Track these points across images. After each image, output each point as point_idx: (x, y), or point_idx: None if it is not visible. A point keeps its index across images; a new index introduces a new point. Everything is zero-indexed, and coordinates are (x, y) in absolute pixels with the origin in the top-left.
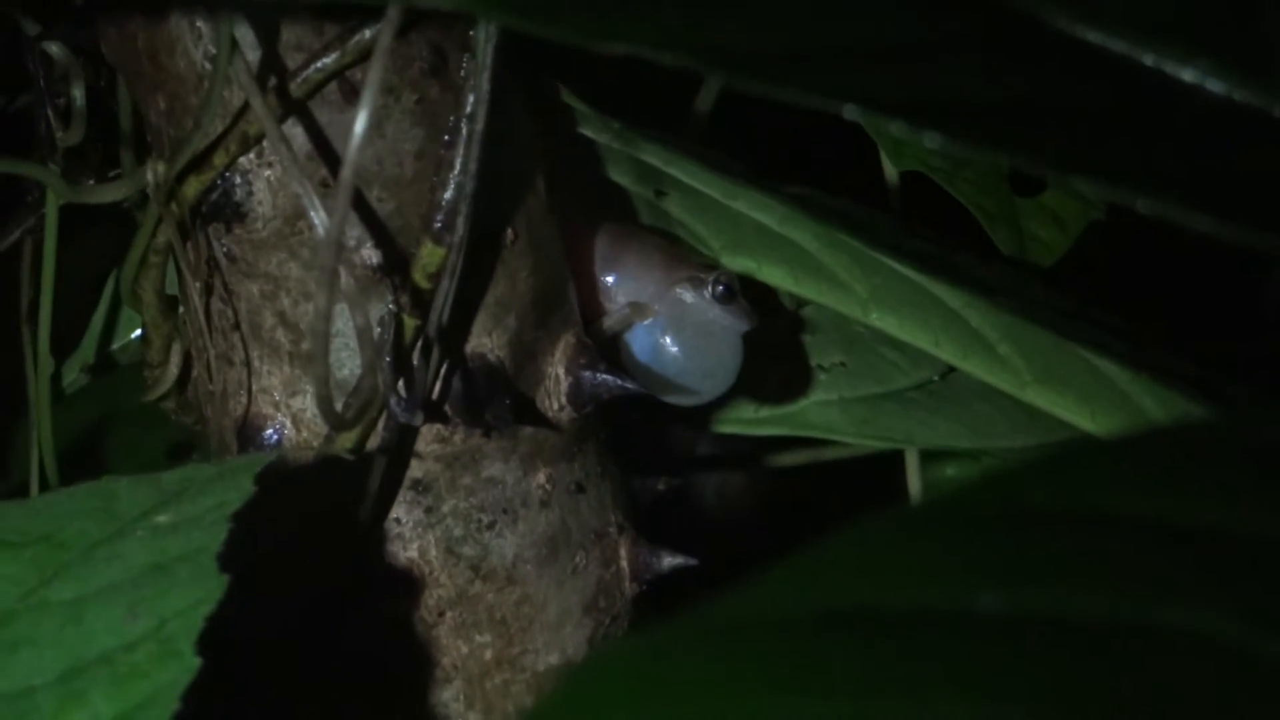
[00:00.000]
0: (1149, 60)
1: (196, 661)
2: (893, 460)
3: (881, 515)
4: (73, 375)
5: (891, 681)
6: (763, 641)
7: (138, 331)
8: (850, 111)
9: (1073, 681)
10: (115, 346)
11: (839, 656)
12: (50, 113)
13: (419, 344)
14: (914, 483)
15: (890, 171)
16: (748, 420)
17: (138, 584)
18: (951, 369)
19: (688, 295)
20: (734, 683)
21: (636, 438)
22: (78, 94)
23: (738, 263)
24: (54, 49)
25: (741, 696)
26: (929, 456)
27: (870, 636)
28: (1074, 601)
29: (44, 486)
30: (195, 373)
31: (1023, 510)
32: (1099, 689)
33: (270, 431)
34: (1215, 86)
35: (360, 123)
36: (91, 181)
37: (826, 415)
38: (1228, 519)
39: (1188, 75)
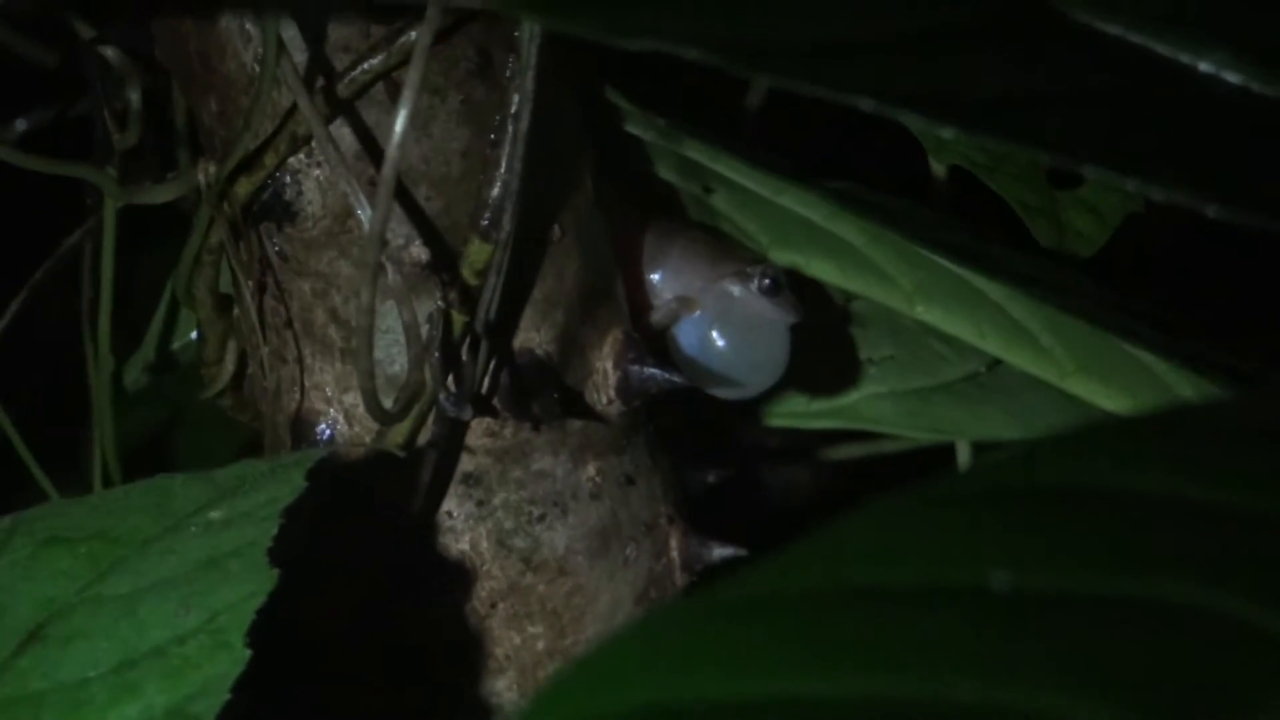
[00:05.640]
0: (1166, 51)
1: (247, 654)
2: (949, 455)
3: (897, 494)
4: (134, 374)
5: (902, 658)
6: (776, 617)
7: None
8: (866, 104)
9: (1079, 659)
10: (176, 345)
11: (851, 633)
12: (107, 116)
13: (467, 340)
14: None
15: (937, 167)
16: (800, 413)
17: (190, 578)
18: (998, 361)
19: (734, 289)
20: (746, 657)
21: (695, 431)
22: (134, 96)
23: (785, 257)
24: (109, 52)
25: (753, 671)
26: (980, 450)
27: (883, 613)
28: (1082, 580)
29: (107, 484)
30: (250, 370)
31: (1036, 488)
32: (1105, 665)
33: (323, 427)
34: (1232, 77)
35: (400, 121)
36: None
37: (878, 408)
38: (1240, 497)
39: (1204, 66)
